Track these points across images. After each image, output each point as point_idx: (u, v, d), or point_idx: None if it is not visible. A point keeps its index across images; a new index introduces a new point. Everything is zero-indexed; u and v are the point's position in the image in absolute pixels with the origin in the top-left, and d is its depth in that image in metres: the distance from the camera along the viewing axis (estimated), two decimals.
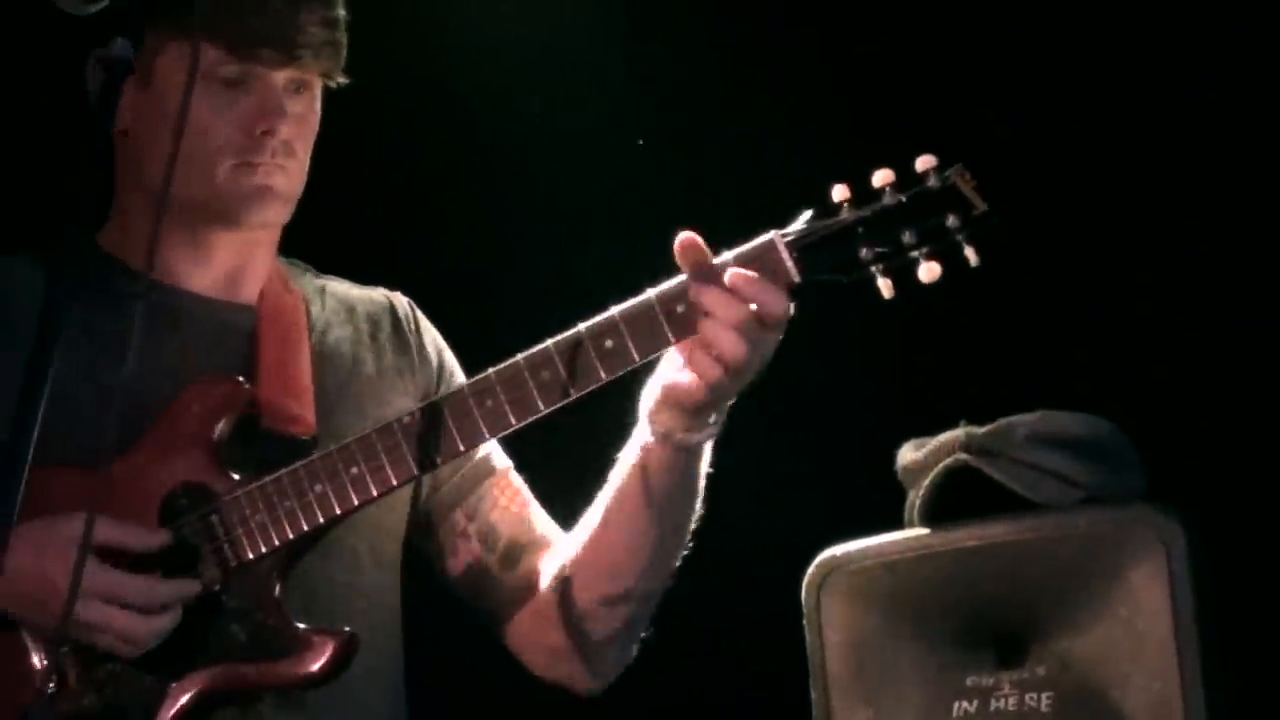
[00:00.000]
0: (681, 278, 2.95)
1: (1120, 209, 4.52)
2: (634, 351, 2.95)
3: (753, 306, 2.87)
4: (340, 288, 3.45)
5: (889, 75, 4.63)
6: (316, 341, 3.32)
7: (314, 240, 3.44)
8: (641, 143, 4.74)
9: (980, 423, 3.78)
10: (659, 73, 4.84)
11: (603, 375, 2.97)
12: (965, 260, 2.85)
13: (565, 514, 3.34)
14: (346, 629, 3.11)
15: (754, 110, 4.76)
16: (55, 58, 3.35)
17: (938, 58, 4.60)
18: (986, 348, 4.59)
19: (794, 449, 4.58)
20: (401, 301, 3.48)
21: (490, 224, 4.95)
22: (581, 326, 2.98)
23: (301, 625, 3.10)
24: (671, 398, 2.99)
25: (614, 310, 2.97)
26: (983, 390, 4.32)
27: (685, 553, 3.22)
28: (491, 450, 3.38)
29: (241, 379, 3.18)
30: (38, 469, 2.40)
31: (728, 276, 2.89)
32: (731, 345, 2.88)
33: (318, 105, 3.29)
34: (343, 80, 3.31)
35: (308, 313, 3.35)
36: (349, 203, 3.80)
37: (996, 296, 4.37)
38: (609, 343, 2.96)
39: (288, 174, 3.23)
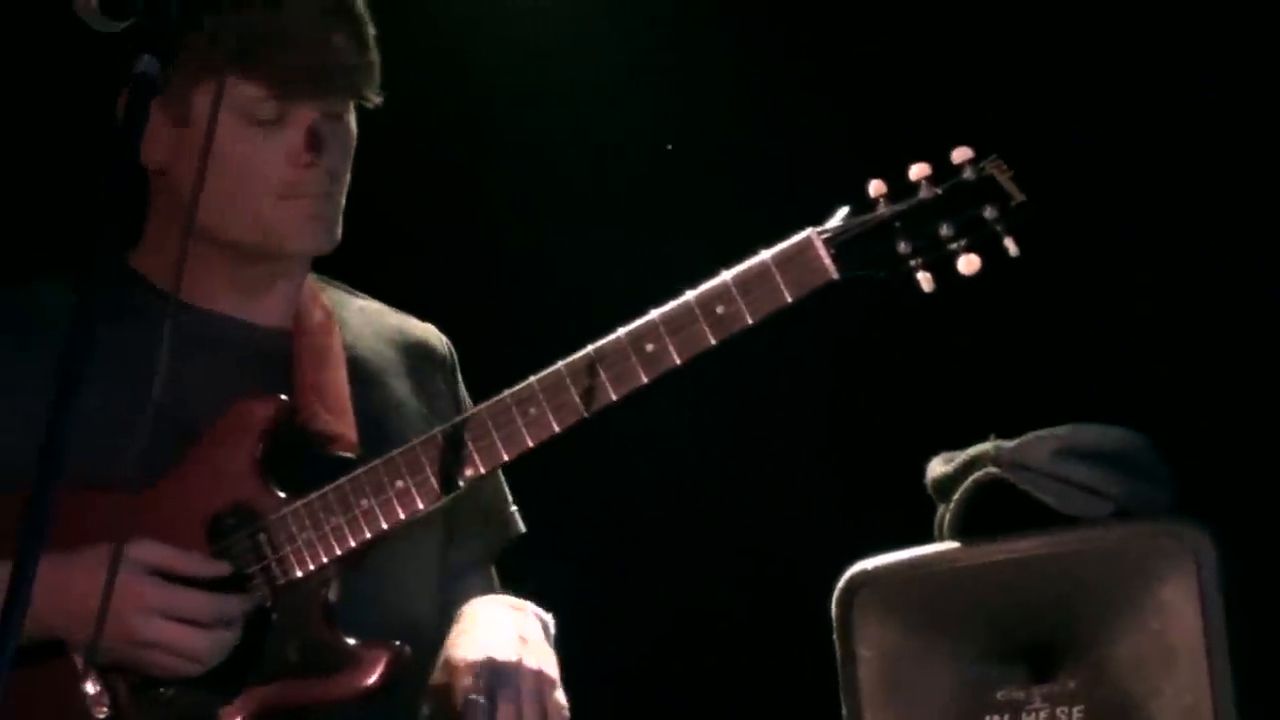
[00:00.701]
0: (721, 277, 2.95)
1: (1154, 220, 4.51)
2: (675, 354, 2.96)
3: None
4: (378, 309, 3.46)
5: (923, 68, 4.63)
6: (353, 363, 3.32)
7: (344, 255, 3.45)
8: (670, 147, 4.74)
9: (1010, 436, 3.78)
10: (689, 73, 4.83)
11: (644, 378, 2.98)
12: (1005, 251, 2.84)
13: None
14: (398, 643, 3.11)
15: (787, 107, 4.75)
16: (84, 78, 3.36)
17: (975, 50, 4.58)
18: (1016, 360, 4.58)
19: (824, 462, 4.57)
20: (433, 331, 3.49)
21: (523, 233, 4.95)
22: (621, 331, 2.99)
23: (351, 640, 3.10)
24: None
25: (653, 313, 2.97)
26: (1012, 403, 4.31)
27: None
28: (511, 513, 3.47)
29: (284, 396, 3.18)
30: (73, 492, 2.40)
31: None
32: None
33: (354, 123, 3.29)
34: (378, 100, 3.30)
35: (344, 334, 3.36)
36: (372, 216, 3.79)
37: (1027, 308, 4.37)
38: (650, 346, 2.96)
39: (334, 201, 3.24)
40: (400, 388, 3.35)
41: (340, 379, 3.27)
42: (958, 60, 4.58)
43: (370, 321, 3.42)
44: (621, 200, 4.79)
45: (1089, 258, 4.43)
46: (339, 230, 3.26)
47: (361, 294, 3.47)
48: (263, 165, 3.18)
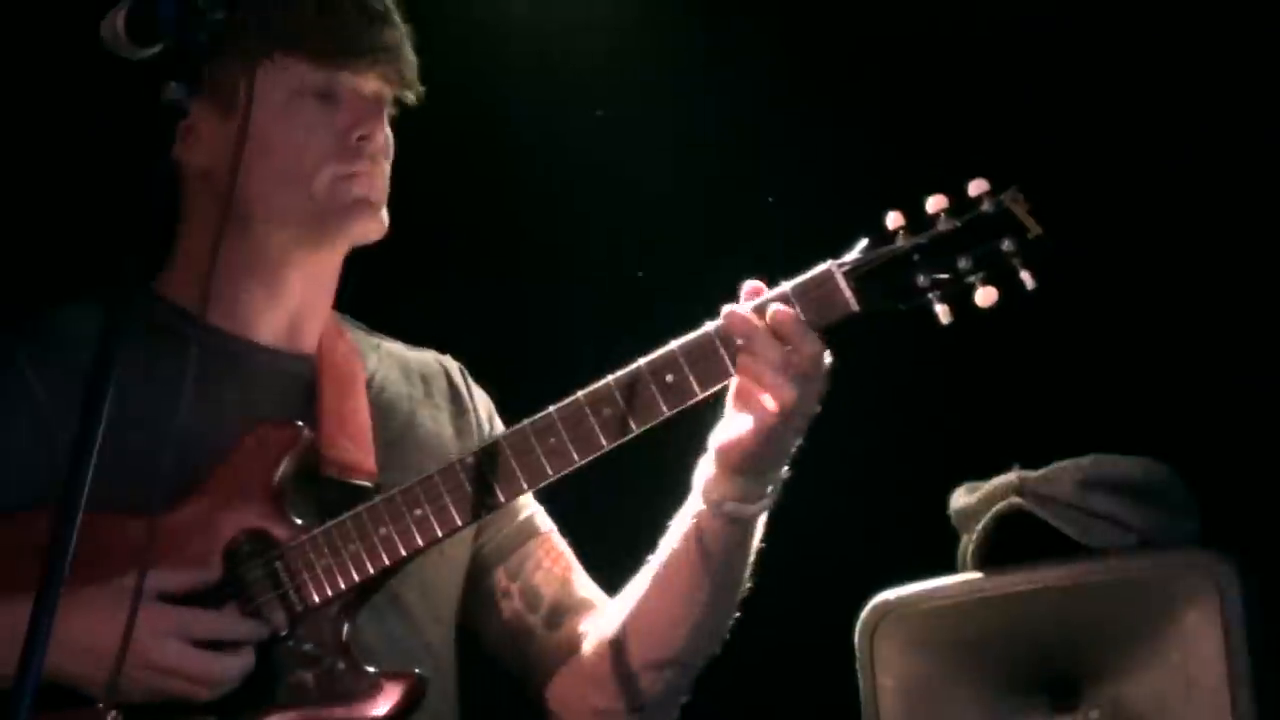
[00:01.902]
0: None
1: (1177, 251, 4.51)
2: (695, 385, 2.94)
3: (788, 347, 2.88)
4: (394, 347, 3.46)
5: (940, 101, 4.63)
6: (374, 394, 3.33)
7: (358, 290, 3.46)
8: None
9: (1034, 466, 3.78)
10: (708, 109, 4.84)
11: (664, 410, 2.96)
12: (1021, 284, 2.84)
13: (604, 578, 3.35)
14: (416, 670, 3.10)
15: (805, 142, 4.76)
16: (114, 104, 3.37)
17: (993, 83, 4.59)
18: (1040, 391, 4.58)
19: (848, 493, 4.57)
20: (453, 365, 3.49)
21: (540, 264, 4.95)
22: (641, 361, 2.97)
23: (370, 669, 3.09)
24: (724, 459, 2.99)
25: (673, 344, 2.96)
26: (1036, 434, 4.31)
27: (732, 622, 3.21)
28: (535, 511, 3.39)
29: (301, 424, 3.18)
30: (95, 516, 2.41)
31: (770, 319, 2.90)
32: (782, 387, 2.88)
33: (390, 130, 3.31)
34: (418, 95, 3.31)
35: (364, 365, 3.37)
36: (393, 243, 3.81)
37: (1051, 339, 4.36)
38: (670, 377, 2.95)
39: (381, 186, 3.24)
40: (420, 418, 3.36)
41: (361, 407, 3.28)
42: (976, 92, 4.58)
43: (390, 355, 3.43)
44: (637, 231, 4.80)
45: (1113, 288, 4.43)
46: (386, 218, 3.26)
47: (377, 333, 3.48)
48: (315, 142, 3.19)
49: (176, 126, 2.62)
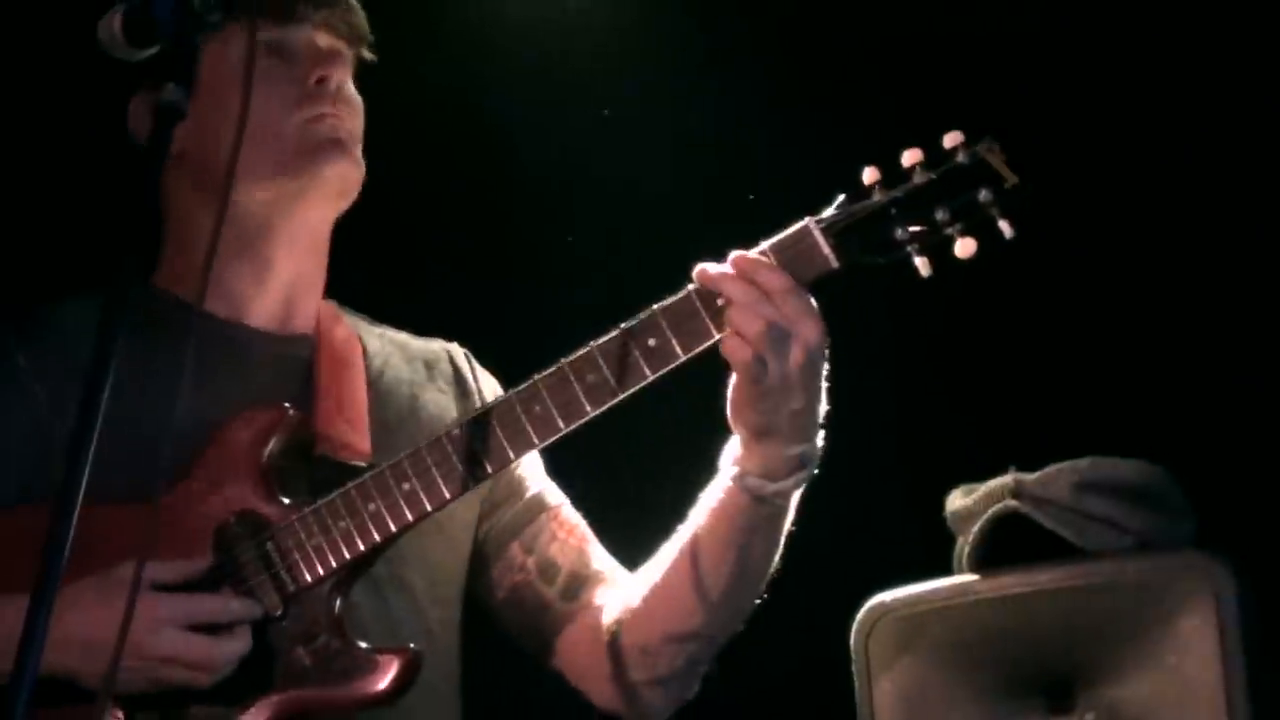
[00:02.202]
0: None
1: (1177, 252, 4.51)
2: (677, 347, 2.94)
3: (760, 289, 2.88)
4: (397, 336, 3.48)
5: (912, 55, 4.62)
6: (374, 376, 3.34)
7: (362, 285, 3.47)
8: (606, 112, 4.76)
9: (1030, 469, 3.78)
10: (684, 67, 4.84)
11: (648, 373, 2.96)
12: (1000, 233, 2.85)
13: (622, 553, 3.35)
14: (410, 645, 3.10)
15: (781, 98, 4.75)
16: (113, 104, 3.37)
17: (967, 35, 4.58)
18: (1037, 393, 4.58)
19: (844, 494, 4.55)
20: (458, 351, 3.50)
21: (521, 234, 4.96)
22: (623, 326, 2.98)
23: (364, 645, 3.09)
24: (736, 423, 2.99)
25: (654, 307, 2.96)
26: (1032, 436, 4.31)
27: (758, 600, 3.21)
28: (545, 487, 3.40)
29: (287, 405, 3.18)
30: (93, 506, 2.41)
31: (730, 262, 2.90)
32: (749, 322, 2.88)
33: (353, 89, 3.33)
34: (372, 56, 3.35)
35: (364, 349, 3.37)
36: (384, 240, 3.82)
37: (1047, 341, 4.37)
38: (652, 340, 2.95)
39: (349, 129, 3.27)
40: (422, 402, 3.37)
41: (358, 389, 3.29)
42: (949, 46, 4.57)
43: (390, 341, 3.45)
44: (610, 194, 4.80)
45: (1109, 290, 4.43)
46: (363, 164, 3.27)
47: (381, 324, 3.49)
48: (276, 93, 3.21)
49: (175, 125, 2.62)
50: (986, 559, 3.76)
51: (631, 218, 4.78)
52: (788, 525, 3.12)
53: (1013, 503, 3.75)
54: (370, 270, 3.43)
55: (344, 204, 3.31)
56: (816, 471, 3.06)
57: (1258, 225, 4.47)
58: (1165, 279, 4.51)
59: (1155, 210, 4.52)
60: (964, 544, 3.81)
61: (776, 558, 3.16)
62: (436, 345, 3.49)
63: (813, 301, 2.91)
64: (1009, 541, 3.74)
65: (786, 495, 3.06)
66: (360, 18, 3.34)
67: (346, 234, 3.37)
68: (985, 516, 3.77)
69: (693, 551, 3.14)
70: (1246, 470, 4.35)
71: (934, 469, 4.07)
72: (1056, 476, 3.73)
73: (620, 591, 3.29)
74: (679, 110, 4.81)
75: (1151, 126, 4.53)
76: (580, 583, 3.33)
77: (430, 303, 3.73)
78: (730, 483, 3.05)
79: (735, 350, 2.91)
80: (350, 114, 3.28)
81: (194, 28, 2.64)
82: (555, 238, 4.87)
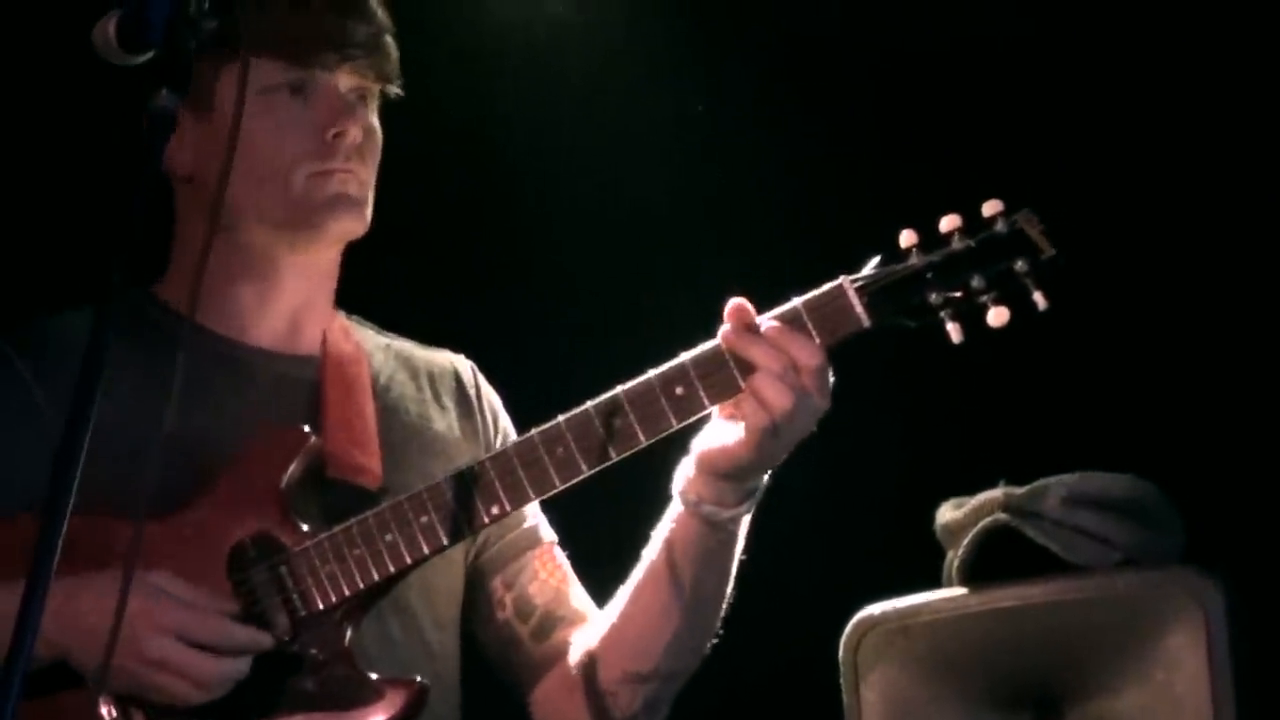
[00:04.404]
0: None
1: (1162, 268, 4.52)
2: (704, 398, 2.94)
3: (789, 359, 2.88)
4: (404, 346, 3.45)
5: (952, 122, 4.64)
6: (381, 395, 3.33)
7: (370, 296, 3.46)
8: (701, 108, 4.77)
9: (1019, 483, 3.78)
10: (723, 126, 4.85)
11: (674, 422, 2.96)
12: (1034, 304, 2.85)
13: (604, 593, 3.35)
14: (418, 678, 3.10)
15: (820, 158, 4.77)
16: (108, 111, 3.37)
17: (1009, 104, 4.60)
18: (1027, 407, 4.58)
19: (833, 507, 4.57)
20: (465, 365, 3.48)
21: (549, 275, 4.96)
22: (652, 373, 2.97)
23: (373, 675, 3.09)
24: (707, 464, 2.99)
25: (683, 357, 2.96)
26: (1022, 450, 4.32)
27: (714, 638, 3.22)
28: (539, 522, 3.39)
29: (307, 428, 3.18)
30: (91, 518, 2.40)
31: (764, 329, 2.90)
32: (778, 395, 2.88)
33: (377, 121, 3.29)
34: (399, 91, 3.32)
35: (370, 365, 3.36)
36: (394, 252, 3.81)
37: (1038, 356, 4.37)
38: (679, 389, 2.95)
39: (361, 181, 3.24)
40: (428, 420, 3.35)
41: (367, 409, 3.28)
42: (991, 113, 4.60)
43: (398, 355, 3.42)
44: (649, 247, 4.81)
45: (1099, 306, 4.44)
46: (369, 213, 3.25)
47: (389, 333, 3.47)
48: (290, 140, 3.19)
49: (168, 133, 2.62)
50: (976, 572, 3.75)
51: (641, 230, 4.79)
52: (738, 553, 3.12)
53: (1002, 517, 3.75)
54: (375, 279, 3.42)
55: (355, 233, 3.29)
56: (807, 485, 3.07)
57: (1245, 239, 4.48)
58: (1156, 294, 4.52)
59: (1140, 223, 4.53)
60: (953, 557, 3.80)
61: (729, 590, 3.16)
62: (443, 358, 3.47)
63: (830, 372, 2.92)
64: (998, 555, 3.73)
65: (739, 521, 3.07)
66: (391, 63, 3.30)
67: (353, 241, 3.35)
68: (975, 530, 3.77)
69: (649, 586, 3.15)
70: (1236, 486, 4.36)
71: (924, 482, 4.07)
72: (1046, 491, 3.73)
73: (586, 632, 3.29)
74: (704, 126, 4.83)
75: (1127, 138, 4.55)
76: (554, 623, 3.33)
77: (431, 312, 3.73)
78: (682, 509, 3.05)
79: (751, 414, 2.92)
80: (363, 165, 3.24)
81: (188, 34, 2.63)
82: (559, 247, 4.88)
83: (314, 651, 3.09)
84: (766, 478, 3.04)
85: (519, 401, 3.47)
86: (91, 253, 3.48)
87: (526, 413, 3.25)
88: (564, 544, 3.42)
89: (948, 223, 2.89)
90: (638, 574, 3.17)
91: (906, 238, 2.90)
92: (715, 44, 4.88)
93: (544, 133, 4.93)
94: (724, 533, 3.06)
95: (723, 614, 3.19)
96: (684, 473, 3.04)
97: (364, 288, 3.42)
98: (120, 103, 3.06)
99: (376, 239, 3.32)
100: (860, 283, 2.90)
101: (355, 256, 3.37)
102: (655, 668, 3.21)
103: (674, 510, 3.08)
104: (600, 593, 3.33)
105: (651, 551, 3.13)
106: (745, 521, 3.08)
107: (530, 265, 4.98)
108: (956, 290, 2.87)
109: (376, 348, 3.41)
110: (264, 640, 3.06)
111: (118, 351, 2.43)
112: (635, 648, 3.21)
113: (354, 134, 3.22)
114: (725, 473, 3.00)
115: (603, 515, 3.62)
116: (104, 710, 3.02)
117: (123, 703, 3.03)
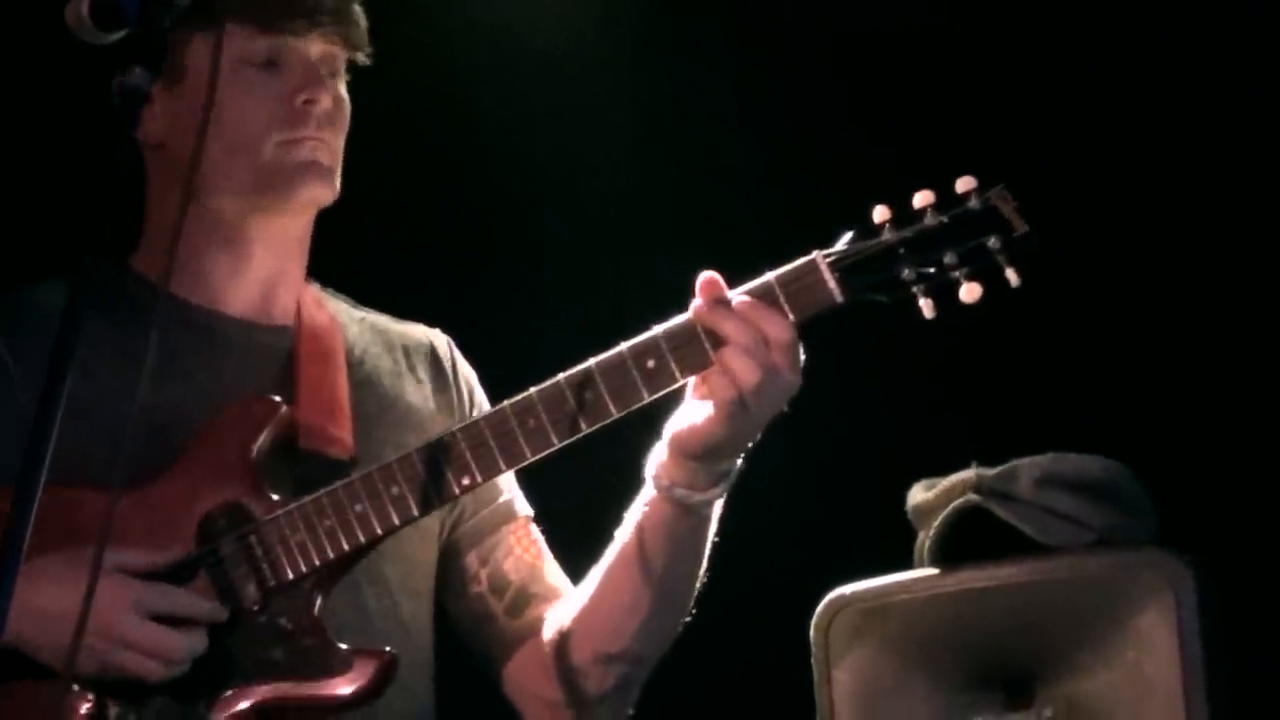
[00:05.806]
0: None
1: (1136, 250, 4.53)
2: (676, 370, 2.94)
3: (760, 334, 2.88)
4: (379, 320, 3.45)
5: (926, 96, 4.64)
6: (354, 367, 3.32)
7: (346, 270, 3.46)
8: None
9: (991, 464, 3.79)
10: (696, 97, 4.85)
11: (645, 395, 2.95)
12: (1006, 281, 2.86)
13: (579, 569, 3.35)
14: (387, 649, 3.10)
15: (793, 133, 4.77)
16: (81, 87, 3.36)
17: (977, 79, 4.60)
18: (998, 388, 4.59)
19: (804, 488, 4.58)
20: (441, 339, 3.48)
21: (523, 250, 4.96)
22: (624, 346, 2.96)
23: (342, 645, 3.08)
24: (679, 445, 2.99)
25: (656, 330, 2.96)
26: (994, 431, 4.33)
27: (686, 619, 3.22)
28: (514, 496, 3.39)
29: (278, 398, 3.17)
30: (65, 489, 2.39)
31: (735, 304, 2.90)
32: (745, 369, 2.88)
33: (346, 93, 3.30)
34: (367, 60, 3.32)
35: (345, 338, 3.36)
36: (368, 227, 3.82)
37: (1010, 337, 4.38)
38: (651, 362, 2.94)
39: (331, 149, 3.24)
40: (401, 392, 3.35)
41: (340, 380, 3.28)
42: (964, 89, 4.60)
43: (372, 328, 3.42)
44: (624, 222, 4.81)
45: (1072, 287, 4.44)
46: (338, 182, 3.26)
47: (364, 307, 3.47)
48: (259, 108, 3.19)
49: (139, 110, 2.62)
50: (947, 553, 3.76)
51: (617, 213, 4.79)
52: (711, 537, 3.12)
53: (974, 497, 3.75)
54: (350, 254, 3.41)
55: (324, 201, 3.29)
56: (778, 466, 3.07)
57: (1220, 226, 4.49)
58: (1128, 277, 4.53)
59: (1115, 207, 4.54)
60: (925, 538, 3.81)
61: (701, 573, 3.16)
62: (418, 332, 3.46)
63: (800, 347, 2.91)
64: (970, 536, 3.74)
65: (711, 505, 3.06)
66: (360, 31, 3.30)
67: (328, 217, 3.35)
68: (946, 511, 3.78)
69: (621, 568, 3.15)
70: (1208, 468, 4.38)
71: (895, 463, 4.07)
72: (1018, 472, 3.74)
73: (559, 610, 3.29)
74: (675, 109, 4.83)
75: (1098, 117, 4.55)
76: (528, 599, 3.32)
77: (410, 289, 3.73)
78: (655, 493, 3.05)
79: (720, 389, 2.91)
80: (333, 134, 3.25)
81: (162, 12, 2.63)
82: (534, 220, 4.88)
83: (283, 621, 3.08)
84: (739, 462, 3.04)
85: (494, 376, 3.46)
86: (65, 225, 3.48)
87: (502, 387, 3.24)
88: (539, 519, 3.41)
89: (921, 199, 2.88)
90: (609, 556, 3.17)
91: (880, 213, 2.89)
92: (689, 17, 4.88)
93: (516, 104, 4.93)
94: (696, 517, 3.06)
95: (695, 596, 3.19)
96: (656, 456, 3.04)
97: (338, 262, 3.42)
98: (93, 80, 3.06)
99: (350, 214, 3.32)
100: (833, 257, 2.90)
101: (328, 231, 3.37)
102: (626, 649, 3.21)
103: (646, 493, 3.07)
104: (575, 569, 3.33)
105: (624, 534, 3.13)
106: (718, 506, 3.08)
107: (504, 239, 4.98)
108: (929, 266, 2.87)
109: (351, 320, 3.41)
110: (222, 614, 3.05)
111: (93, 326, 2.42)
112: (606, 629, 3.21)
113: (325, 101, 3.23)
114: (696, 453, 2.99)
115: (578, 490, 3.62)
116: (73, 696, 3.00)
117: (88, 684, 3.02)
